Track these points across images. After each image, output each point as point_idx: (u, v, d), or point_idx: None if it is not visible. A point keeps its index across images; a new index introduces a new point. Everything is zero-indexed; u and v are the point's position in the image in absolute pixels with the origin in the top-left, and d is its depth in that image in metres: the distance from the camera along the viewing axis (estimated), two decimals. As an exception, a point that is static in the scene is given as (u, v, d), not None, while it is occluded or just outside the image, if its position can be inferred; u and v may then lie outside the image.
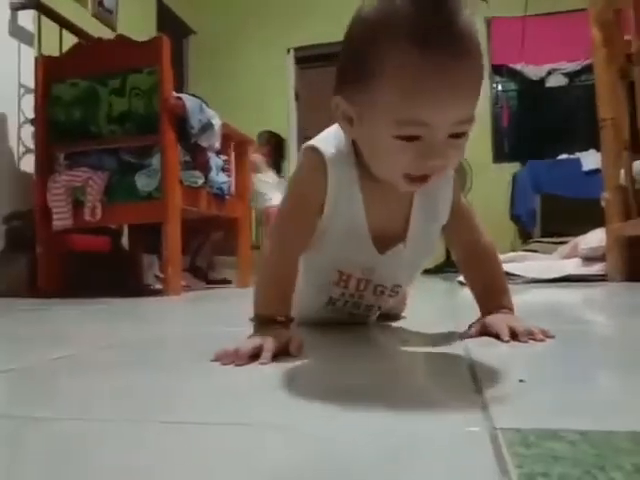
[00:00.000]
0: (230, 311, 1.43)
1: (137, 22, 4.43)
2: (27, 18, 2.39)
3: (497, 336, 0.67)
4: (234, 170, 2.53)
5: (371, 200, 0.69)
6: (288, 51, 5.36)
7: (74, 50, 2.22)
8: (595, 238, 2.23)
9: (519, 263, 2.39)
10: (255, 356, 0.58)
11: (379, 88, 0.54)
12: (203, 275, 2.97)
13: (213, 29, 5.41)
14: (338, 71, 0.61)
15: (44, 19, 2.45)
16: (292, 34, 5.26)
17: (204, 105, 2.14)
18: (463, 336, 0.71)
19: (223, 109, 4.94)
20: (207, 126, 2.08)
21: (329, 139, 0.68)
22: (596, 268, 2.18)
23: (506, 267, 2.26)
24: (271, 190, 3.63)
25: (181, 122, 2.06)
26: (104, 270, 2.55)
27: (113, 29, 4.08)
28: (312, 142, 0.68)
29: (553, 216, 4.23)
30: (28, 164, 2.31)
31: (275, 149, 4.18)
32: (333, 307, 0.82)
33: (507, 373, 0.49)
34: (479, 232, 0.77)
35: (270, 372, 0.53)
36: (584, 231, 3.68)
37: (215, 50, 5.40)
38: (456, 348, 0.64)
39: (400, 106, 0.53)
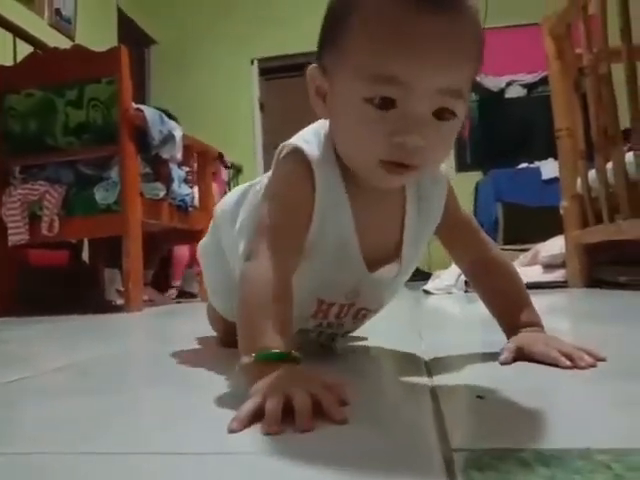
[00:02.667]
0: (190, 328, 1.40)
1: (97, 32, 4.35)
2: (-21, 27, 2.31)
3: (540, 361, 0.56)
4: (197, 181, 2.50)
5: (358, 207, 0.59)
6: (252, 62, 5.35)
7: (29, 60, 2.16)
8: (555, 246, 2.28)
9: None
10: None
11: (349, 40, 0.48)
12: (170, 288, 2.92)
13: (175, 39, 5.36)
14: (318, 42, 0.55)
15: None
16: (256, 45, 5.26)
17: (165, 116, 2.10)
18: (499, 361, 0.59)
19: (187, 120, 4.89)
20: (168, 137, 2.05)
21: (311, 138, 0.59)
22: (556, 275, 2.22)
23: (462, 276, 2.30)
24: None
25: (141, 133, 2.02)
26: (63, 285, 2.48)
27: (71, 39, 4.00)
28: (294, 142, 0.58)
29: (514, 224, 4.32)
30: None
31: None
32: (303, 338, 0.68)
33: (467, 390, 0.48)
34: (486, 244, 0.69)
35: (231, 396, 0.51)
36: (545, 238, 3.78)
37: (178, 60, 5.35)
38: (418, 369, 0.63)
39: (371, 58, 0.46)
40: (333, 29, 0.51)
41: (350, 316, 0.67)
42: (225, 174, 4.67)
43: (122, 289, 2.57)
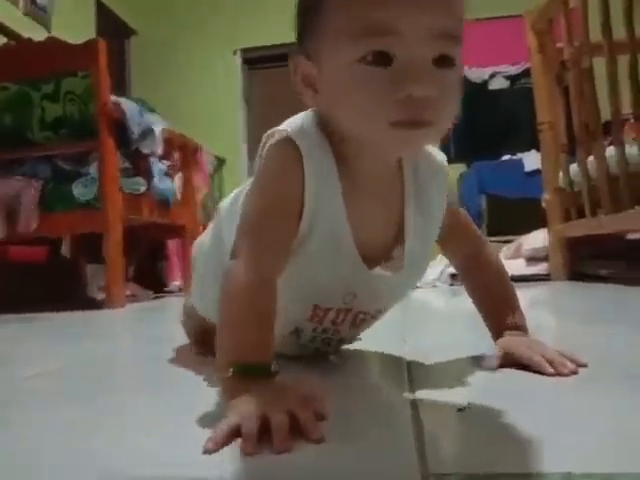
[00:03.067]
0: (172, 326, 1.38)
1: (74, 22, 4.26)
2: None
3: (526, 367, 0.56)
4: (179, 175, 2.46)
5: (353, 196, 0.54)
6: (235, 52, 5.29)
7: (3, 52, 2.10)
8: (538, 239, 2.29)
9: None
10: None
11: (326, 10, 0.46)
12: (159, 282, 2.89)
13: (156, 29, 5.28)
14: (296, 35, 0.53)
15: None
16: (239, 35, 5.19)
17: (144, 110, 2.06)
18: (484, 367, 0.59)
19: (168, 111, 4.84)
20: (147, 132, 2.01)
21: (298, 123, 0.54)
22: (539, 268, 2.24)
23: (448, 269, 2.31)
24: None
25: (120, 127, 1.98)
26: (44, 282, 2.43)
27: (47, 29, 3.91)
28: (281, 129, 0.54)
29: (498, 216, 4.35)
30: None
31: None
32: (296, 340, 0.64)
33: (448, 403, 0.47)
34: (481, 241, 0.67)
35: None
36: (528, 230, 3.81)
37: (158, 51, 5.27)
38: (400, 378, 0.61)
39: (352, 13, 0.43)
40: (308, 9, 0.49)
41: (348, 323, 0.62)
42: (208, 166, 4.63)
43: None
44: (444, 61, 0.45)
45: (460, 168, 4.81)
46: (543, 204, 2.24)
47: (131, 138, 1.97)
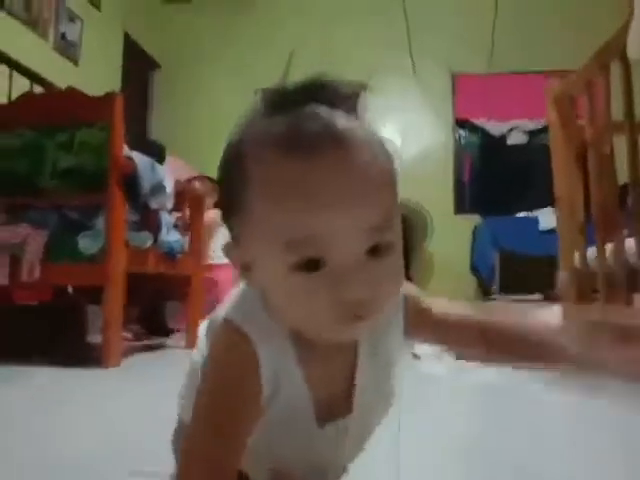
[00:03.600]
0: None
1: (102, 55, 4.35)
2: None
3: None
4: (189, 227, 2.44)
5: (313, 370, 0.53)
6: (256, 92, 5.34)
7: (23, 99, 2.12)
8: (550, 317, 2.21)
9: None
10: None
11: (254, 210, 0.44)
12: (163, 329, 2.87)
13: (179, 64, 5.37)
14: (221, 208, 0.50)
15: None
16: (259, 74, 5.25)
17: (156, 164, 2.05)
18: None
19: (189, 145, 4.89)
20: (158, 188, 2.00)
21: (244, 307, 0.52)
22: (550, 347, 2.16)
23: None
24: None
25: (131, 182, 1.97)
26: (45, 323, 2.40)
27: (75, 63, 3.99)
28: (229, 317, 0.51)
29: (512, 272, 4.28)
30: (-35, 213, 2.17)
31: None
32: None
33: None
34: (471, 321, 0.60)
35: None
36: (543, 288, 3.72)
37: (181, 85, 5.35)
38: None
39: (280, 222, 0.42)
40: (231, 199, 0.47)
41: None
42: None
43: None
44: (378, 250, 0.44)
45: (474, 219, 4.77)
46: (558, 285, 2.17)
47: (141, 193, 1.96)
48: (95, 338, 2.58)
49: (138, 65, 5.06)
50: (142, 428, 0.68)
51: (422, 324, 0.60)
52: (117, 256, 1.91)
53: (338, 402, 0.56)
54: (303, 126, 0.42)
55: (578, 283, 2.05)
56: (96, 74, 4.14)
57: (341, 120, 0.43)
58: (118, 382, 1.72)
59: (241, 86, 5.28)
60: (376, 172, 0.43)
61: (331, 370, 0.55)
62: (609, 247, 1.76)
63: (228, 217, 0.49)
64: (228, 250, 0.49)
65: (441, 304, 0.62)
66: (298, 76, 0.47)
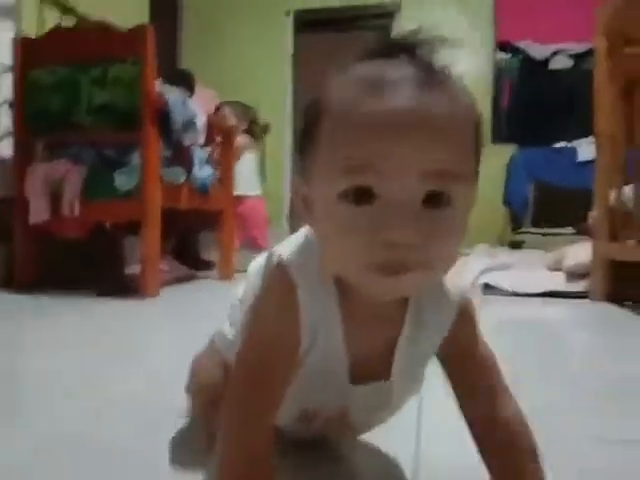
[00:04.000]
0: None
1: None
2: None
3: None
4: (220, 161, 2.47)
5: (353, 325, 0.53)
6: (288, 13, 5.15)
7: (53, 34, 2.11)
8: (581, 254, 2.21)
9: (502, 272, 2.39)
10: None
11: (320, 139, 0.44)
12: (196, 261, 2.95)
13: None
14: (298, 149, 0.51)
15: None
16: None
17: (188, 100, 2.05)
18: None
19: (216, 70, 4.80)
20: (189, 124, 2.01)
21: (299, 248, 0.52)
22: (579, 285, 2.17)
23: (487, 279, 2.27)
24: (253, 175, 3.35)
25: (163, 118, 1.98)
26: (85, 256, 2.52)
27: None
28: (281, 254, 0.51)
29: (545, 205, 4.21)
30: (7, 148, 2.24)
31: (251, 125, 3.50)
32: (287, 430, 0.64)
33: None
34: (503, 399, 0.55)
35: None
36: (577, 222, 3.66)
37: (213, 8, 5.19)
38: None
39: (340, 148, 0.41)
40: (307, 133, 0.47)
41: (338, 426, 0.63)
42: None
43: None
44: (437, 200, 0.41)
45: (510, 149, 4.63)
46: (590, 221, 2.14)
47: (174, 130, 1.98)
48: (133, 269, 2.71)
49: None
50: (183, 362, 0.75)
51: (454, 353, 0.56)
52: (152, 192, 1.97)
53: (374, 367, 0.56)
54: (386, 69, 0.42)
55: (611, 222, 2.02)
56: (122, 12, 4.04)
57: (426, 73, 0.43)
58: (158, 312, 1.82)
59: (274, 10, 5.10)
60: (453, 121, 0.41)
61: (373, 334, 0.54)
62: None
63: (301, 153, 0.48)
64: (297, 185, 0.49)
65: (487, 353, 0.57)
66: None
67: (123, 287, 2.16)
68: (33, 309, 1.80)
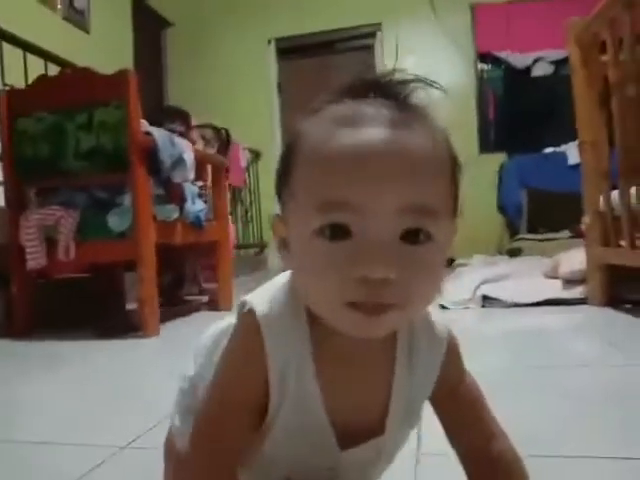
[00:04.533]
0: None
1: (111, 20, 4.31)
2: (-12, 45, 2.30)
3: None
4: (212, 194, 2.49)
5: (334, 377, 0.48)
6: (269, 42, 5.23)
7: (39, 82, 2.14)
8: (576, 261, 2.22)
9: (500, 282, 2.39)
10: None
11: (295, 176, 0.43)
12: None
13: (191, 20, 5.27)
14: (275, 186, 0.49)
15: (8, 46, 2.36)
16: (273, 24, 5.13)
17: (175, 138, 2.08)
18: None
19: (203, 102, 4.86)
20: (178, 161, 2.03)
21: (271, 292, 0.50)
22: (576, 291, 2.17)
23: (485, 290, 2.27)
24: None
25: (152, 157, 2.00)
26: (85, 295, 2.52)
27: (86, 31, 3.98)
28: (250, 300, 0.49)
29: (540, 210, 4.22)
30: (-1, 197, 2.26)
31: (224, 148, 3.46)
32: None
33: None
34: (493, 432, 0.54)
35: None
36: (571, 225, 3.67)
37: (194, 42, 5.27)
38: None
39: (316, 186, 0.40)
40: (282, 173, 0.46)
41: None
42: (244, 160, 4.64)
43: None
44: (415, 236, 0.40)
45: (500, 158, 4.67)
46: (582, 227, 2.16)
47: (162, 168, 2.00)
48: (134, 305, 2.71)
49: (149, 24, 4.99)
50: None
51: (444, 390, 0.53)
52: (146, 231, 1.98)
53: (364, 421, 0.50)
54: (360, 107, 0.42)
55: (603, 227, 2.04)
56: (108, 40, 4.12)
57: (401, 110, 0.42)
58: (158, 351, 1.82)
59: (255, 39, 5.18)
60: (429, 157, 0.41)
61: (358, 382, 0.49)
62: (633, 191, 1.74)
63: (278, 194, 0.47)
64: (274, 224, 0.48)
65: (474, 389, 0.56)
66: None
67: (124, 325, 2.16)
68: (31, 355, 1.80)
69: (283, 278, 0.51)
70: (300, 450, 0.51)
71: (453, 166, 0.44)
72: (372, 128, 0.40)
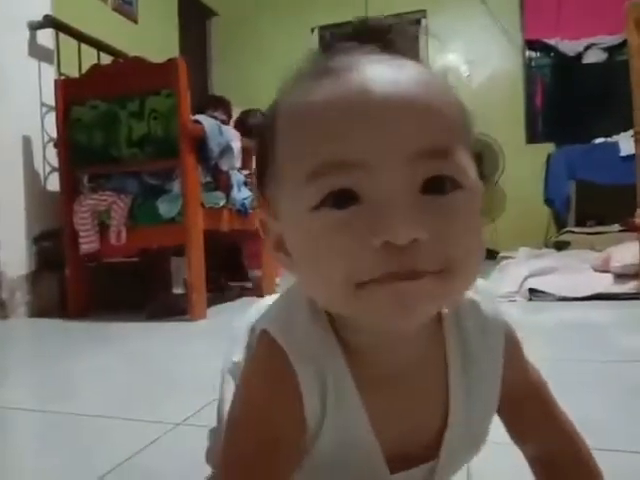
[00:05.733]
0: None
1: (158, 9, 4.37)
2: (46, 36, 2.37)
3: None
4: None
5: (377, 394, 0.40)
6: (312, 30, 5.22)
7: (92, 71, 2.20)
8: (628, 254, 2.15)
9: (547, 276, 2.34)
10: None
11: (278, 149, 0.35)
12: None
13: (235, 9, 5.31)
14: (255, 176, 0.41)
15: (62, 35, 2.43)
16: (316, 12, 5.12)
17: (223, 126, 2.11)
18: None
19: (247, 91, 4.90)
20: (226, 149, 2.06)
21: (285, 311, 0.41)
22: (628, 286, 2.10)
23: (533, 284, 2.22)
24: None
25: (201, 145, 2.04)
26: (133, 280, 2.59)
27: (134, 21, 4.05)
28: (266, 326, 0.40)
29: (588, 203, 4.10)
30: (54, 184, 2.34)
31: None
32: None
33: None
34: (567, 431, 0.47)
35: None
36: (621, 219, 3.55)
37: (238, 31, 5.31)
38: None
39: (300, 149, 0.33)
40: (262, 151, 0.38)
41: None
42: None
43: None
44: (439, 185, 0.32)
45: (548, 148, 4.54)
46: (636, 220, 2.08)
47: (211, 156, 2.03)
48: (180, 289, 2.77)
49: (194, 14, 5.05)
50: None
51: (508, 389, 0.45)
52: (195, 217, 2.02)
53: (412, 438, 0.42)
54: (343, 56, 0.35)
55: (659, 219, 1.96)
56: (155, 30, 4.19)
57: (389, 52, 0.35)
58: (205, 335, 1.86)
59: (299, 28, 5.18)
60: (431, 87, 0.33)
61: (403, 395, 0.41)
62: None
63: (260, 181, 0.39)
64: (262, 221, 0.40)
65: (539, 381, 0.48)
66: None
67: (171, 309, 2.21)
68: (86, 335, 1.87)
69: (289, 292, 0.43)
70: (343, 477, 0.42)
71: (460, 103, 0.36)
72: (358, 69, 0.33)
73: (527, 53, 4.76)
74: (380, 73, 0.33)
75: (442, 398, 0.42)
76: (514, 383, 0.45)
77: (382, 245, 0.30)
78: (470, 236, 0.33)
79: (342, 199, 0.31)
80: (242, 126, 2.92)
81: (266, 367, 0.39)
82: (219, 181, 2.17)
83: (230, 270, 3.08)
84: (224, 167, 2.10)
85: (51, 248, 2.31)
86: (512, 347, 0.44)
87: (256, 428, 0.39)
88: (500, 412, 0.46)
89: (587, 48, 4.58)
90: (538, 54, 4.74)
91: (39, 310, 2.26)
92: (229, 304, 2.47)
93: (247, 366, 0.43)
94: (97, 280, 2.39)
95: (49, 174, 2.39)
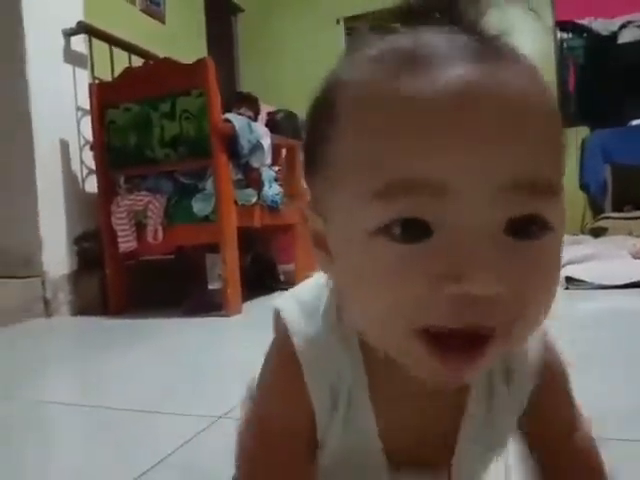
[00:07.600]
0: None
1: (185, 9, 4.43)
2: (79, 42, 2.44)
3: None
4: (286, 177, 2.54)
5: (388, 403, 0.39)
6: (338, 22, 5.20)
7: (125, 74, 2.25)
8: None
9: (584, 264, 2.30)
10: None
11: (338, 146, 0.30)
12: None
13: (259, 4, 5.33)
14: (304, 164, 0.36)
15: (95, 40, 2.49)
16: (340, 3, 5.10)
17: (253, 124, 2.13)
18: None
19: (274, 87, 4.93)
20: (256, 147, 2.09)
21: (309, 306, 0.40)
22: (669, 273, 2.05)
23: (569, 272, 2.19)
24: None
25: (232, 143, 2.07)
26: (170, 278, 2.66)
27: (162, 21, 4.11)
28: (284, 317, 0.40)
29: (625, 187, 4.00)
30: (92, 185, 2.41)
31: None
32: None
33: None
34: (574, 419, 0.43)
35: None
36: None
37: (263, 26, 5.34)
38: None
39: (373, 158, 0.27)
40: (315, 142, 0.32)
41: None
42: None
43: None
44: (527, 227, 0.27)
45: (582, 131, 4.43)
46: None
47: (242, 154, 2.06)
48: (215, 284, 2.82)
49: (221, 10, 5.10)
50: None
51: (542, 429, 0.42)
52: (228, 215, 2.06)
53: (421, 453, 0.41)
54: (425, 36, 0.29)
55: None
56: (183, 30, 4.26)
57: (480, 40, 0.29)
58: (241, 329, 1.90)
59: (324, 20, 5.17)
60: (537, 106, 0.28)
61: (418, 418, 0.39)
62: None
63: (309, 173, 0.35)
64: (307, 215, 0.36)
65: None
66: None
67: (207, 304, 2.26)
68: (126, 331, 1.93)
69: (312, 284, 0.42)
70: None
71: (558, 117, 0.30)
72: (452, 67, 0.27)
73: (559, 34, 4.65)
74: (481, 77, 0.26)
75: (456, 417, 0.40)
76: (542, 418, 0.42)
77: (459, 294, 0.26)
78: (547, 293, 0.29)
79: (411, 227, 0.27)
80: (272, 123, 2.95)
81: (280, 388, 0.40)
82: (250, 178, 2.20)
83: (263, 265, 3.11)
84: (255, 164, 2.13)
85: (91, 248, 2.39)
86: (545, 382, 0.41)
87: (269, 427, 0.41)
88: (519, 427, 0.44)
89: (622, 27, 4.44)
90: (570, 35, 4.62)
91: (81, 308, 2.34)
92: (263, 298, 2.51)
93: (264, 371, 0.43)
94: (135, 278, 2.46)
95: (87, 176, 2.47)
